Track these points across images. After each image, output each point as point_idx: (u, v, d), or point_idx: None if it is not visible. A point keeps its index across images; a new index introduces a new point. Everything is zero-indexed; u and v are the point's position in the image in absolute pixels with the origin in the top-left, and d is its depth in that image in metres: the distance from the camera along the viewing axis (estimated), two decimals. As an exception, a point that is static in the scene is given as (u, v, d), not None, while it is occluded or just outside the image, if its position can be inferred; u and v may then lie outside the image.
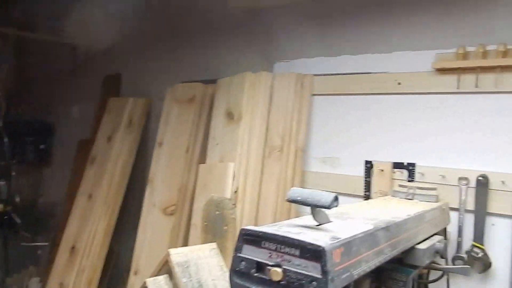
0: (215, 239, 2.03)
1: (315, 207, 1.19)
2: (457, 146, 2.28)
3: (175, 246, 2.48)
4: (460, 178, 2.21)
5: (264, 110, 2.72)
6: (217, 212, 2.19)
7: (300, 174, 2.72)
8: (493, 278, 2.14)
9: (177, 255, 1.65)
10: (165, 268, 1.77)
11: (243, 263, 1.09)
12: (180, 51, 3.46)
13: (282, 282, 1.03)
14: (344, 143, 2.68)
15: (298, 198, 1.19)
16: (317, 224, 1.23)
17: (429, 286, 1.91)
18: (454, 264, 2.13)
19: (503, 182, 2.11)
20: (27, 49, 4.60)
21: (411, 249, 1.57)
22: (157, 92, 3.44)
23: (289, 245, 1.04)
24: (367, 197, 2.50)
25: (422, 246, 1.60)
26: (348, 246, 1.12)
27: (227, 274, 1.14)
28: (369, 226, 1.30)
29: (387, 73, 2.53)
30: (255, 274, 1.07)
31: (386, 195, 2.35)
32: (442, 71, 2.32)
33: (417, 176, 2.37)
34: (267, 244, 1.07)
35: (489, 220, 2.16)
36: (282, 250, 1.05)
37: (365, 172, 2.55)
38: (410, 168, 2.40)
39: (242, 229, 1.12)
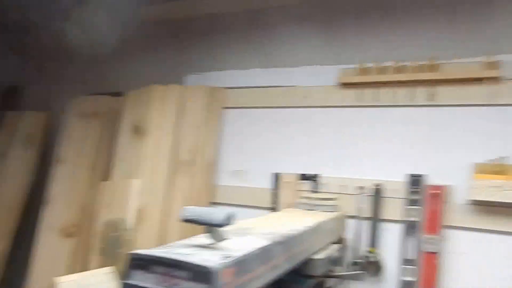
0: (112, 263, 1.93)
1: (209, 226, 1.18)
2: (357, 157, 2.41)
3: (74, 271, 2.32)
4: (358, 187, 2.35)
5: (173, 124, 2.67)
6: (114, 234, 2.09)
7: (210, 188, 2.71)
8: (385, 279, 2.28)
9: (66, 283, 1.53)
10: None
11: (132, 290, 1.04)
12: (86, 62, 3.30)
13: (172, 307, 1.00)
14: (253, 156, 2.72)
15: (191, 218, 1.17)
16: (213, 242, 1.22)
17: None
18: (352, 270, 2.24)
19: (394, 190, 2.28)
20: None
21: (309, 260, 1.62)
22: (61, 105, 3.23)
23: (178, 267, 1.01)
24: (274, 209, 2.55)
25: (319, 256, 1.66)
26: (241, 264, 1.12)
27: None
28: (265, 241, 1.32)
29: (295, 87, 2.62)
30: (144, 301, 1.03)
31: (292, 206, 2.41)
32: (345, 85, 2.46)
33: (321, 187, 2.47)
34: (155, 268, 1.04)
35: (383, 226, 2.31)
36: (171, 274, 1.02)
37: (273, 184, 2.60)
38: (314, 179, 2.50)
39: (130, 254, 1.07)
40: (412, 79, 2.25)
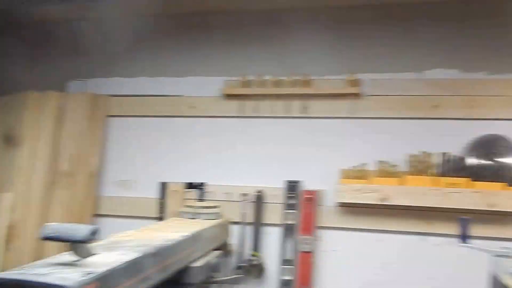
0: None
1: (72, 242, 1.16)
2: (240, 165, 2.52)
3: None
4: (242, 194, 2.46)
5: (51, 133, 2.54)
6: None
7: (93, 200, 2.62)
8: (267, 279, 2.42)
9: None
10: None
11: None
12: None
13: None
14: (140, 165, 2.69)
15: (53, 235, 1.15)
16: (77, 259, 1.20)
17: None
18: (236, 274, 2.34)
19: (274, 196, 2.43)
20: None
21: (187, 268, 1.67)
22: None
23: (32, 288, 0.99)
24: (161, 218, 2.55)
25: (197, 264, 1.71)
26: (104, 279, 1.12)
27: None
28: (135, 254, 1.33)
29: (181, 97, 2.65)
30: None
31: (178, 215, 2.44)
32: (229, 96, 2.55)
33: (207, 195, 2.53)
34: (8, 291, 1.00)
35: (265, 230, 2.45)
36: (25, 295, 0.99)
37: (160, 193, 2.60)
38: (200, 187, 2.55)
39: (-20, 278, 1.02)
40: (288, 92, 2.43)
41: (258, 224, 2.43)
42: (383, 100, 2.35)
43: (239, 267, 2.38)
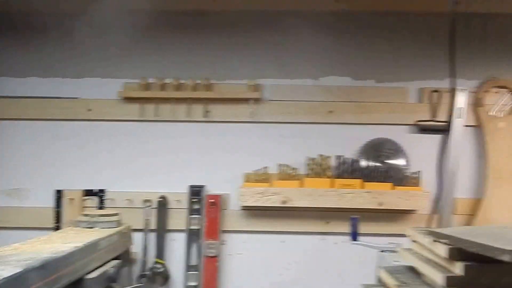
0: None
1: None
2: (142, 171, 2.46)
3: None
4: (144, 201, 2.40)
5: None
6: None
7: (-23, 212, 2.38)
8: (172, 287, 2.39)
9: None
10: None
11: None
12: None
13: None
14: (33, 172, 2.50)
15: None
16: None
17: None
18: (140, 282, 2.27)
19: (178, 201, 2.40)
20: None
21: (81, 280, 1.58)
22: None
23: None
24: (57, 228, 2.39)
25: (92, 275, 1.63)
26: (-24, 299, 1.02)
27: None
28: (17, 269, 1.23)
29: (77, 99, 2.51)
30: None
31: (75, 225, 2.30)
32: (128, 99, 2.46)
33: (107, 203, 2.43)
34: None
35: (169, 236, 2.41)
36: None
37: (55, 202, 2.44)
38: (100, 195, 2.44)
39: None
40: (190, 96, 2.42)
41: (161, 230, 2.39)
42: (283, 105, 2.44)
43: (142, 276, 2.32)
